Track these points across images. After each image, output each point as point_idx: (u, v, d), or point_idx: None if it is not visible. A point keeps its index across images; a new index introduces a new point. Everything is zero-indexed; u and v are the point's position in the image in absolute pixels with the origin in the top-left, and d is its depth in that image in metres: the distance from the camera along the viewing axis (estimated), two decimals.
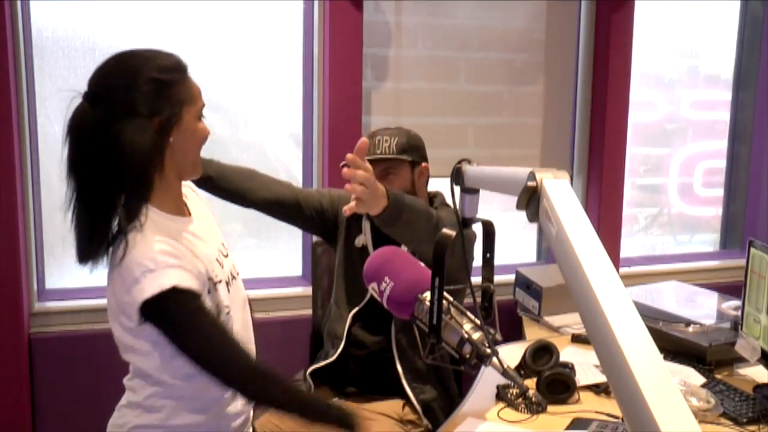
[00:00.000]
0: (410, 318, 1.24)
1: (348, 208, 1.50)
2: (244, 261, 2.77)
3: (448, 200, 1.87)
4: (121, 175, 1.30)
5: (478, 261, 1.30)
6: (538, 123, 3.12)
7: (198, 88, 1.47)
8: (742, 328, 1.98)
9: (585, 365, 2.00)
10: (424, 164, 2.08)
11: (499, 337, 1.16)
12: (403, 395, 1.94)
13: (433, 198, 2.13)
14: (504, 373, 1.13)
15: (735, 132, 3.63)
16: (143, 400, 1.45)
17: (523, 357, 1.98)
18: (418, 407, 1.91)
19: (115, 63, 1.37)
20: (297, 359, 2.77)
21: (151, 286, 1.28)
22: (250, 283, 2.76)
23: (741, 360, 1.99)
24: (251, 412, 1.61)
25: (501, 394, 1.83)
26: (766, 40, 3.50)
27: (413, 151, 2.04)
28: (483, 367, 1.24)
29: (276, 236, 2.87)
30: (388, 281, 1.24)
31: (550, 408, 1.78)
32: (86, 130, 1.31)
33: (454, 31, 2.92)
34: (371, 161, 1.83)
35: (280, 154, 2.85)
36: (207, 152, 2.69)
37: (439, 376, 2.00)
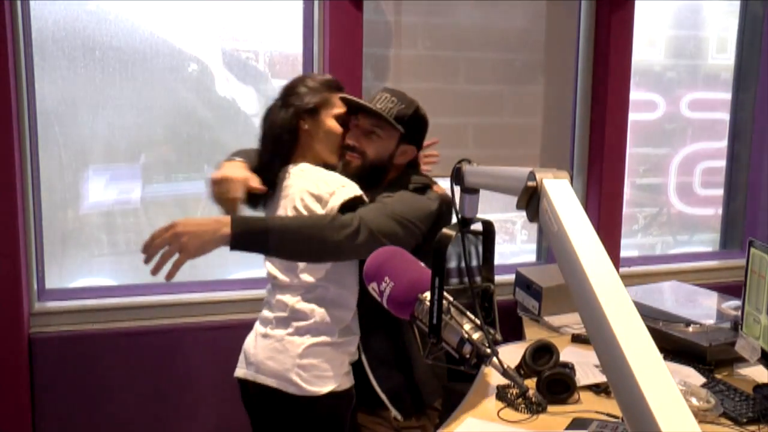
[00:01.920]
0: (410, 318, 1.23)
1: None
2: (244, 261, 2.79)
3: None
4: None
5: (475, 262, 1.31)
6: (538, 123, 3.12)
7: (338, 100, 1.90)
8: (742, 328, 1.98)
9: (585, 365, 2.00)
10: (411, 147, 1.94)
11: (499, 337, 1.16)
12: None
13: (411, 182, 1.93)
14: (504, 373, 1.13)
15: (735, 132, 3.63)
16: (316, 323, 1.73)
17: (523, 357, 1.98)
18: (383, 396, 1.84)
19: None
20: None
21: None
22: (250, 283, 2.78)
23: (741, 360, 1.99)
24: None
25: (501, 394, 1.83)
26: (766, 40, 3.50)
27: (411, 128, 1.91)
28: (483, 367, 1.24)
29: None
30: (388, 281, 1.24)
31: (550, 408, 1.78)
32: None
33: (454, 31, 2.92)
34: (362, 111, 1.88)
35: None
36: (207, 152, 2.70)
37: (403, 361, 1.88)
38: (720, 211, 3.69)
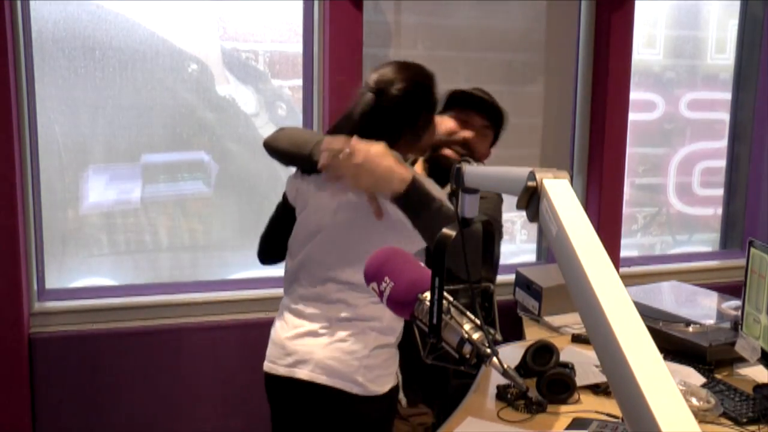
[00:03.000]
0: (410, 318, 1.23)
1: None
2: (244, 260, 2.79)
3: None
4: None
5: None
6: (538, 123, 3.12)
7: None
8: (742, 328, 1.98)
9: (585, 365, 2.00)
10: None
11: (499, 337, 1.16)
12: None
13: None
14: (504, 373, 1.13)
15: (735, 132, 3.63)
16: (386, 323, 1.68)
17: (523, 357, 1.98)
18: (400, 377, 1.85)
19: None
20: None
21: None
22: (250, 283, 2.78)
23: (741, 360, 1.99)
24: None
25: (501, 394, 1.83)
26: (766, 40, 3.50)
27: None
28: (483, 367, 1.24)
29: None
30: (388, 281, 1.24)
31: (550, 408, 1.78)
32: None
33: (454, 31, 2.92)
34: (484, 106, 1.89)
35: None
36: (207, 153, 2.70)
37: (414, 348, 1.90)
38: (720, 211, 3.70)
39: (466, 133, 1.89)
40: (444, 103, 1.93)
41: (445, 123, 1.90)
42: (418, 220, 1.57)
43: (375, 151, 1.55)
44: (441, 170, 1.84)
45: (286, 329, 1.73)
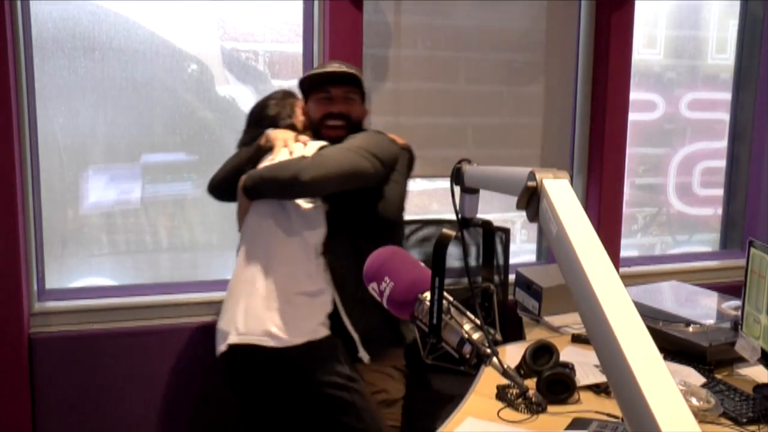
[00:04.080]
0: (410, 318, 1.23)
1: None
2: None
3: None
4: None
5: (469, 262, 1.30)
6: (538, 123, 3.12)
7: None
8: (742, 328, 1.98)
9: (585, 365, 2.00)
10: (365, 107, 2.24)
11: (499, 337, 1.16)
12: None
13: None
14: (504, 373, 1.13)
15: (735, 132, 3.63)
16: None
17: (523, 357, 1.98)
18: (356, 336, 1.96)
19: None
20: None
21: None
22: None
23: (741, 360, 1.99)
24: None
25: (501, 394, 1.83)
26: (766, 40, 3.50)
27: (364, 89, 2.19)
28: (483, 367, 1.24)
29: None
30: (388, 281, 1.24)
31: (550, 408, 1.78)
32: None
33: (454, 32, 2.92)
34: (335, 80, 2.08)
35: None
36: (207, 153, 2.70)
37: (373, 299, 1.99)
38: (720, 211, 3.70)
39: (333, 108, 2.09)
40: (302, 92, 2.19)
41: (312, 109, 2.15)
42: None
43: None
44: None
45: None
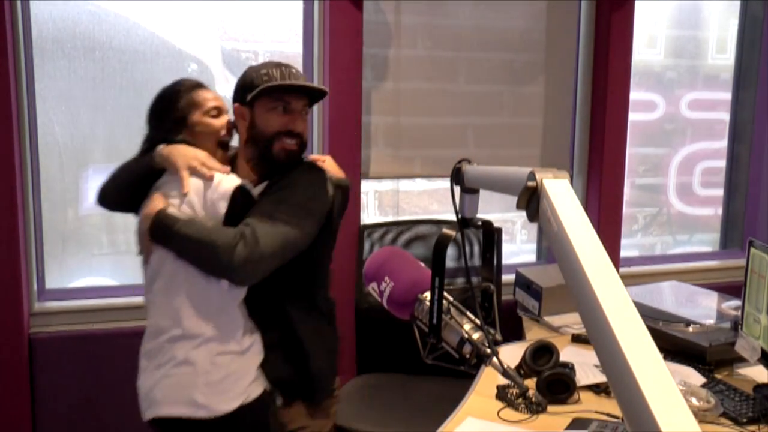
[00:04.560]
0: (410, 318, 1.23)
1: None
2: None
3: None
4: None
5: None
6: (538, 123, 3.12)
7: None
8: (742, 328, 1.98)
9: (585, 365, 2.00)
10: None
11: (499, 337, 1.16)
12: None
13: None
14: (504, 373, 1.13)
15: (735, 132, 3.63)
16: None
17: (523, 357, 1.98)
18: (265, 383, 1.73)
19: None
20: None
21: None
22: None
23: (741, 360, 1.99)
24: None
25: (501, 394, 1.83)
26: (766, 40, 3.50)
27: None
28: (483, 367, 1.24)
29: None
30: (388, 281, 1.24)
31: (550, 408, 1.78)
32: None
33: (454, 31, 2.92)
34: (295, 90, 1.71)
35: None
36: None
37: (296, 353, 1.74)
38: (720, 211, 3.70)
39: (295, 126, 1.73)
40: (243, 92, 1.74)
41: (263, 119, 1.73)
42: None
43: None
44: (277, 166, 1.73)
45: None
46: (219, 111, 1.79)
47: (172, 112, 1.76)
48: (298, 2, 2.74)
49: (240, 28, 2.71)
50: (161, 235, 1.63)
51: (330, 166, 1.84)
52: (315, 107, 2.77)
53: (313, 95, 1.78)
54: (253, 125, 1.72)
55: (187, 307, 1.63)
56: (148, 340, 1.76)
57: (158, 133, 1.76)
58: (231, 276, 1.58)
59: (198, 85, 1.81)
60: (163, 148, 1.68)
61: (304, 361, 1.74)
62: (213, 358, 1.61)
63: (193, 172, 1.64)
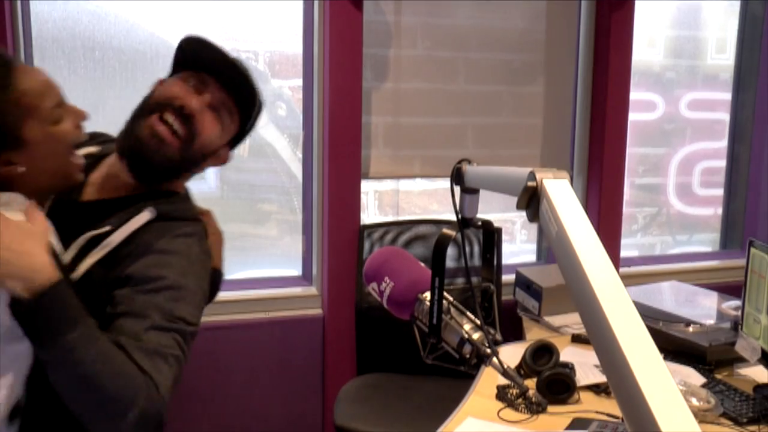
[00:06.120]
0: (410, 318, 1.23)
1: None
2: (244, 260, 2.79)
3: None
4: None
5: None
6: (538, 123, 3.12)
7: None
8: (742, 328, 1.98)
9: (585, 365, 2.00)
10: (228, 151, 1.51)
11: (499, 337, 1.16)
12: None
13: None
14: (504, 373, 1.13)
15: (735, 132, 3.63)
16: None
17: (523, 357, 1.98)
18: None
19: None
20: (297, 359, 2.78)
21: None
22: (250, 284, 2.78)
23: (741, 360, 1.99)
24: None
25: (501, 394, 1.83)
26: (766, 40, 3.50)
27: (251, 126, 1.51)
28: (483, 367, 1.24)
29: (276, 236, 2.87)
30: (388, 281, 1.24)
31: (550, 408, 1.78)
32: None
33: (454, 31, 2.92)
34: (231, 77, 1.35)
35: (280, 153, 2.85)
36: None
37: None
38: (720, 211, 3.70)
39: (192, 103, 1.32)
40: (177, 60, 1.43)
41: (168, 85, 1.38)
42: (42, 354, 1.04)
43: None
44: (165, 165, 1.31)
45: None
46: (59, 105, 1.23)
47: None
48: (298, 2, 2.74)
49: (240, 28, 2.71)
50: (45, 333, 1.03)
51: (213, 230, 1.37)
52: (315, 107, 2.77)
53: (243, 101, 1.38)
54: (150, 94, 1.35)
55: None
56: None
57: None
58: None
59: (8, 67, 1.12)
60: None
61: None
62: None
63: None
